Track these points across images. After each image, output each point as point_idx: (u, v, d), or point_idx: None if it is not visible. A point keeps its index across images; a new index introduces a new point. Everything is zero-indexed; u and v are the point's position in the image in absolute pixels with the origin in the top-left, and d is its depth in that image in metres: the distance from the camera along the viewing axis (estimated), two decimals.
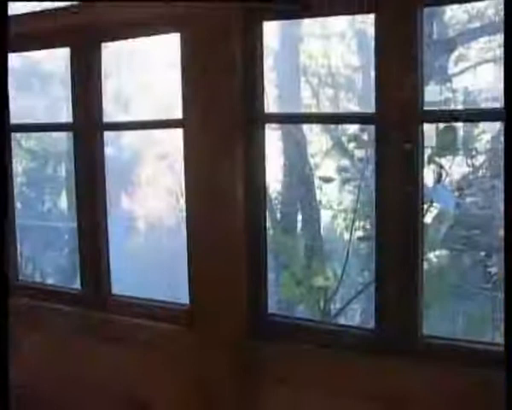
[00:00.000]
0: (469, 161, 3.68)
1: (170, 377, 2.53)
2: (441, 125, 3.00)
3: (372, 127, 2.18)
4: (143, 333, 2.57)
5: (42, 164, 4.14)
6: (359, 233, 3.13)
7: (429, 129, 2.12)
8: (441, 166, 3.24)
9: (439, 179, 3.14)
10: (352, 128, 3.29)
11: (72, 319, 2.78)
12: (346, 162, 3.35)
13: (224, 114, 2.30)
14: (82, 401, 2.78)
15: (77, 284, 2.85)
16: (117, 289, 2.75)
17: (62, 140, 3.84)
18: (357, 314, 3.07)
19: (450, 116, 2.42)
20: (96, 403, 2.74)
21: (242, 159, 2.30)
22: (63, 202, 3.92)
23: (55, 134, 4.05)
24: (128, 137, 3.22)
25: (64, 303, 2.82)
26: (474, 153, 3.75)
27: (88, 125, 2.68)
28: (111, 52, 2.65)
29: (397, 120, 2.02)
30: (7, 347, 1.80)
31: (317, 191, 3.36)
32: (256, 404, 2.35)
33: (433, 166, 3.20)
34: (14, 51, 2.84)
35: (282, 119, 2.77)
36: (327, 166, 3.35)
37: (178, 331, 2.49)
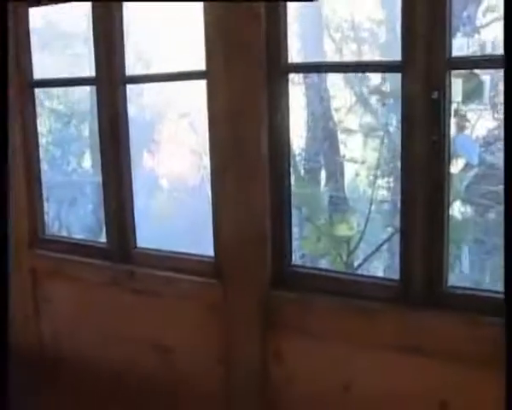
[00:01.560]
0: (496, 115, 3.62)
1: (194, 326, 2.57)
2: (467, 77, 2.95)
3: (394, 80, 2.15)
4: (168, 285, 2.62)
5: (65, 123, 4.16)
6: (382, 186, 3.11)
7: (454, 82, 2.08)
8: (466, 118, 3.19)
9: (463, 131, 3.10)
10: (375, 80, 3.25)
11: (99, 272, 2.83)
12: (369, 116, 3.32)
13: (247, 65, 2.28)
14: (108, 349, 2.85)
15: (103, 238, 2.89)
16: (142, 243, 2.78)
17: (85, 99, 3.85)
18: (380, 267, 3.07)
19: (478, 63, 2.38)
20: (121, 350, 2.81)
21: (266, 110, 2.29)
22: (87, 160, 3.94)
23: (77, 94, 4.05)
24: (149, 96, 3.21)
25: (91, 257, 2.88)
26: (500, 107, 3.68)
27: (110, 79, 2.68)
28: (132, 7, 2.64)
29: (424, 67, 1.99)
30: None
31: (341, 146, 3.34)
32: (278, 352, 2.38)
33: (458, 119, 3.15)
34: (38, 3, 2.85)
35: (307, 68, 2.75)
36: (350, 120, 3.32)
37: (203, 283, 2.52)
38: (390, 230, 3.18)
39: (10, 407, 1.73)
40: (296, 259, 2.40)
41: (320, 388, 2.31)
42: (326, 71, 2.99)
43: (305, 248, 2.91)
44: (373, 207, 3.15)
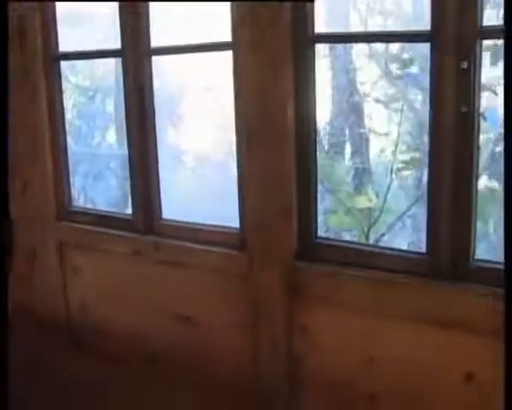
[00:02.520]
0: None
1: (219, 297, 2.59)
2: (497, 48, 2.90)
3: (422, 51, 2.12)
4: (193, 256, 2.63)
5: (90, 98, 4.17)
6: (408, 159, 3.09)
7: (484, 53, 2.04)
8: (495, 91, 3.14)
9: (491, 103, 3.05)
10: (401, 51, 3.21)
11: (125, 244, 2.86)
12: (395, 88, 3.29)
13: (274, 35, 2.25)
14: (134, 319, 2.89)
15: (128, 211, 2.91)
16: (167, 215, 2.80)
17: (110, 74, 3.85)
18: (403, 240, 3.06)
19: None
20: (147, 320, 2.85)
21: (292, 82, 2.27)
22: (112, 134, 3.96)
23: (102, 68, 4.06)
24: (174, 69, 3.20)
25: (117, 228, 2.90)
26: None
27: (136, 50, 2.68)
28: None
29: (453, 36, 1.95)
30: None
31: (366, 118, 3.32)
32: (304, 324, 2.39)
33: (487, 91, 3.10)
34: None
35: (334, 38, 2.72)
36: (376, 93, 3.29)
37: (228, 255, 2.53)
38: (414, 203, 3.15)
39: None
40: (321, 231, 2.39)
41: (345, 359, 2.32)
42: (353, 41, 2.96)
43: (330, 221, 2.91)
44: (397, 181, 3.13)
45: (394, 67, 3.23)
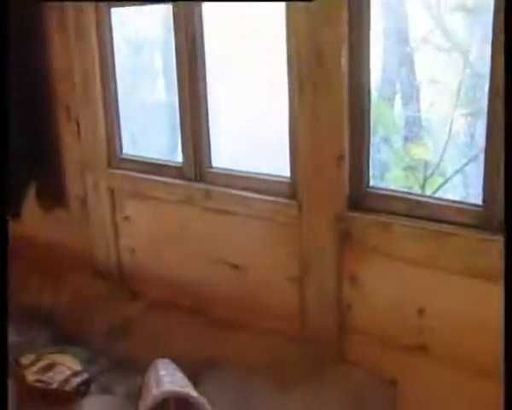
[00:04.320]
0: None
1: (269, 245, 2.60)
2: None
3: None
4: (243, 204, 2.63)
5: (138, 48, 4.16)
6: (462, 110, 2.99)
7: None
8: None
9: None
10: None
11: (175, 191, 2.88)
12: (450, 36, 3.17)
13: None
14: (184, 265, 2.94)
15: (178, 159, 2.92)
16: (217, 163, 2.80)
17: (158, 25, 3.82)
18: (456, 192, 2.99)
19: None
20: (196, 267, 2.89)
21: (347, 26, 2.20)
22: (162, 82, 3.96)
23: (150, 20, 4.03)
24: (224, 17, 3.14)
25: (167, 176, 2.92)
26: None
27: None
28: None
29: None
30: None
31: (419, 68, 3.22)
32: (354, 273, 2.38)
33: None
34: None
35: None
36: (430, 41, 3.18)
37: (278, 203, 2.52)
38: (469, 156, 3.07)
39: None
40: (373, 181, 2.35)
41: (394, 311, 2.30)
42: None
43: (382, 171, 2.86)
44: (452, 132, 3.04)
45: (455, 17, 3.11)
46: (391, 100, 3.22)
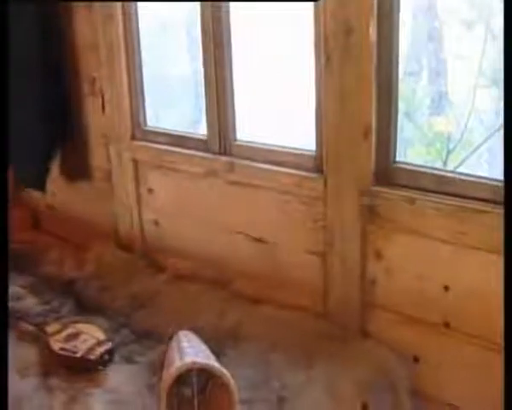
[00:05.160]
0: None
1: (293, 219, 2.58)
2: None
3: None
4: (268, 178, 2.62)
5: (163, 25, 4.13)
6: (486, 85, 2.93)
7: None
8: None
9: None
10: None
11: (199, 164, 2.87)
12: (477, 11, 3.10)
13: None
14: (207, 238, 2.94)
15: (203, 131, 2.91)
16: (242, 136, 2.78)
17: (182, 9, 3.78)
18: (480, 168, 2.94)
19: None
20: (219, 240, 2.89)
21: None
22: (186, 55, 3.93)
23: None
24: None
25: (191, 149, 2.92)
26: None
27: None
28: None
29: None
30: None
31: (445, 43, 3.16)
32: (379, 248, 2.36)
33: None
34: None
35: None
36: (457, 17, 3.11)
37: (303, 177, 2.50)
38: (492, 131, 3.02)
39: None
40: (399, 156, 2.32)
41: (419, 287, 2.28)
42: None
43: (407, 146, 2.82)
44: (475, 107, 2.99)
45: None
46: (417, 74, 3.17)
